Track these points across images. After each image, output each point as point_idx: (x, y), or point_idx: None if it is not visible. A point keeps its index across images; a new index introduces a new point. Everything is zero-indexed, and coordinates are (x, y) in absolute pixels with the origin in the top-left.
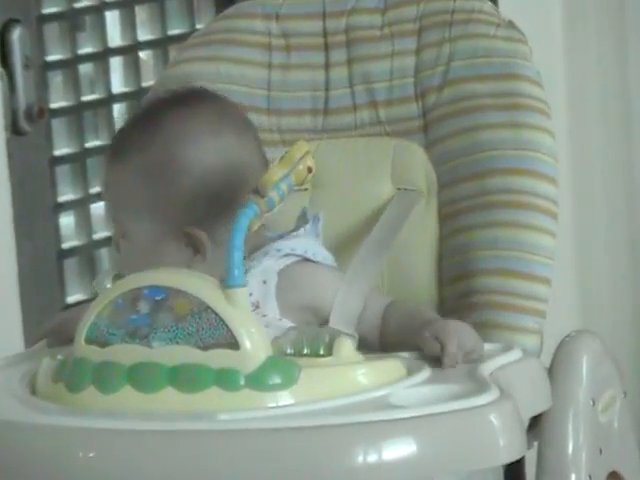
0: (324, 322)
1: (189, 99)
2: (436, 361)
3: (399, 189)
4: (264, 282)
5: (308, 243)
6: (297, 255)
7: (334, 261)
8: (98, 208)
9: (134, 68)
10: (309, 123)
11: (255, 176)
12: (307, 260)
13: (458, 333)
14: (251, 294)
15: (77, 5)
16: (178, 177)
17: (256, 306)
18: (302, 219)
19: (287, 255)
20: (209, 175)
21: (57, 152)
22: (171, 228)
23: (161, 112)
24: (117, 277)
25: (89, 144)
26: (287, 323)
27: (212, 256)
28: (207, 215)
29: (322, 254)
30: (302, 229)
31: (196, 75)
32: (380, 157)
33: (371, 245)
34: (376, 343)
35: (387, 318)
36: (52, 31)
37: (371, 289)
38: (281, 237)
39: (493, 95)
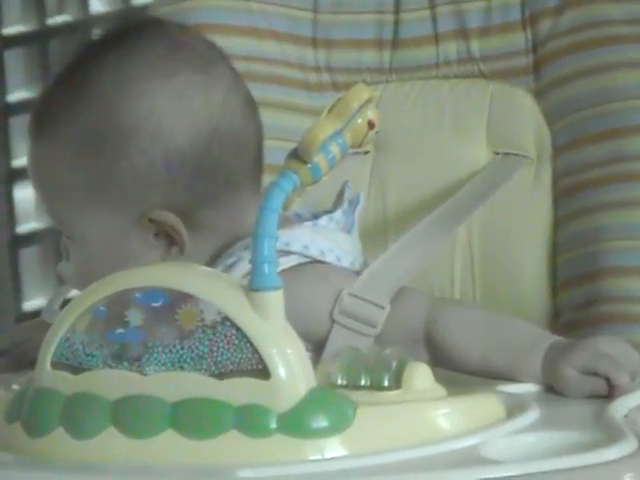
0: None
1: (126, 36)
2: (548, 396)
3: (497, 153)
4: None
5: (314, 235)
6: (293, 252)
7: (362, 262)
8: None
9: None
10: (371, 59)
11: (237, 127)
12: (310, 262)
13: (617, 356)
14: None
15: None
16: (126, 143)
17: None
18: (339, 199)
19: (281, 253)
20: (167, 132)
21: (12, 97)
22: (132, 216)
23: (91, 60)
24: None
25: None
26: None
27: (191, 247)
28: (177, 190)
29: (337, 252)
30: (325, 217)
31: None
32: (472, 108)
33: (441, 216)
34: (419, 354)
35: (446, 326)
36: None
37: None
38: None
39: (633, 21)
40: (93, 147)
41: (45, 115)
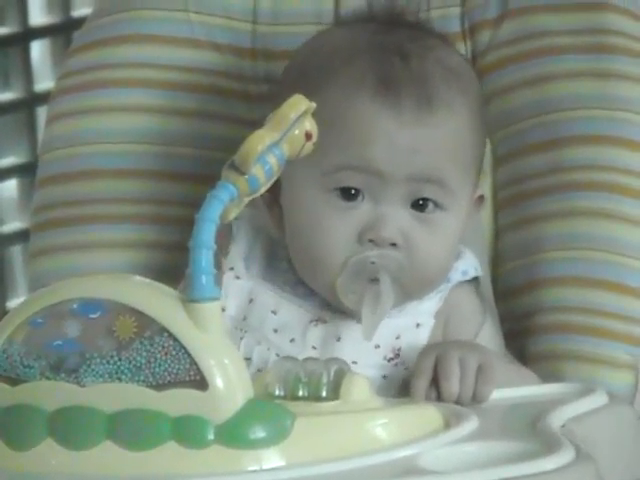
0: None
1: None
2: (487, 406)
3: None
4: (417, 325)
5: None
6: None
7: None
8: (9, 189)
9: None
10: None
11: None
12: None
13: (440, 356)
14: (398, 337)
15: None
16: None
17: (395, 354)
18: None
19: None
20: None
21: None
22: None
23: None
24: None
25: None
26: None
27: None
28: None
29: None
30: None
31: (153, 2)
32: None
33: None
34: None
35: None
36: None
37: None
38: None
39: (571, 32)
40: (483, 114)
41: (447, 86)
